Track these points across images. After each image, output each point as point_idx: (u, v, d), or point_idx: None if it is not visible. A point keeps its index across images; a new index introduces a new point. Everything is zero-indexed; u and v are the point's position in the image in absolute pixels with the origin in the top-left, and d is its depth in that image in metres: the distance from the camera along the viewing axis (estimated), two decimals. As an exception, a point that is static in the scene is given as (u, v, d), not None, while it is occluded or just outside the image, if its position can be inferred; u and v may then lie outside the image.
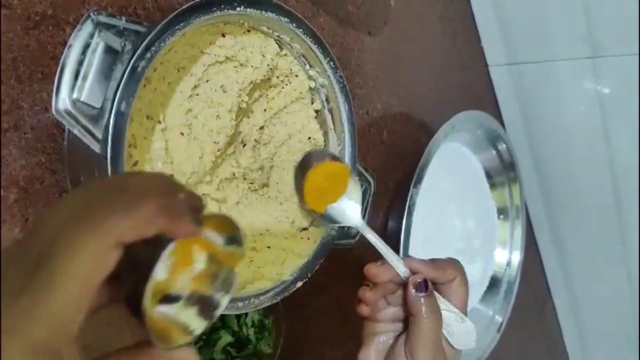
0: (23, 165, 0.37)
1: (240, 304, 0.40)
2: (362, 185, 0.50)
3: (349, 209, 0.43)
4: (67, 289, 0.20)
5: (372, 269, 0.40)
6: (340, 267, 0.63)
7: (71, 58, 0.30)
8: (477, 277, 0.78)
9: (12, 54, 0.36)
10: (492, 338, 0.77)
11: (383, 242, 0.41)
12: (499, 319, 0.78)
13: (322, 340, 0.62)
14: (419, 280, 0.39)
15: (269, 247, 0.45)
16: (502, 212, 0.81)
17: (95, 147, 0.32)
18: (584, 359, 1.15)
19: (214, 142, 0.41)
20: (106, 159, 0.32)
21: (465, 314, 0.41)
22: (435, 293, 0.40)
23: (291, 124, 0.47)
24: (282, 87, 0.46)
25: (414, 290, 0.39)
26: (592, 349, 1.12)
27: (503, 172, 0.78)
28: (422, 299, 0.38)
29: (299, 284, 0.44)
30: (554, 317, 1.11)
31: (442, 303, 0.40)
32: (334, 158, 0.45)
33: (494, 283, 0.81)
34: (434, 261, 0.41)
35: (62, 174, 0.39)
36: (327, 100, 0.47)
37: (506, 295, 0.81)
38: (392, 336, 0.41)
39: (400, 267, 0.40)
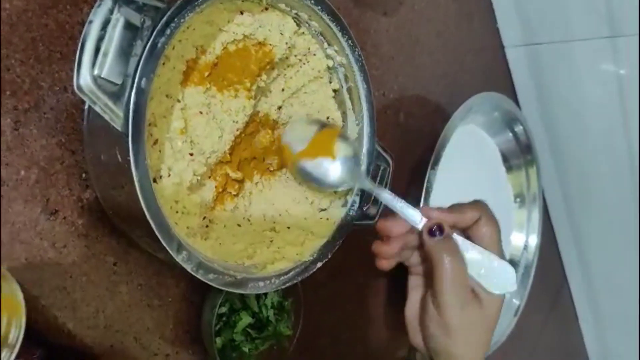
0: (43, 145, 0.37)
1: (261, 283, 0.39)
2: (380, 166, 0.49)
3: (338, 168, 0.41)
4: None
5: (383, 223, 0.40)
6: (359, 250, 0.62)
7: (92, 34, 0.30)
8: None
9: (31, 33, 0.36)
10: (509, 322, 0.77)
11: (392, 194, 0.40)
12: (516, 302, 0.78)
13: (340, 323, 0.62)
14: (431, 225, 0.38)
15: (288, 228, 0.44)
16: (519, 195, 0.80)
17: (117, 125, 0.31)
18: (599, 342, 1.14)
19: (233, 122, 0.41)
20: (127, 136, 0.31)
21: (501, 255, 0.39)
22: (460, 238, 0.38)
23: (309, 104, 0.46)
24: (300, 67, 0.45)
25: (427, 235, 0.38)
26: (607, 333, 1.11)
27: (520, 154, 0.78)
28: (437, 243, 0.37)
29: (319, 264, 0.44)
30: (570, 301, 1.10)
31: (472, 247, 0.38)
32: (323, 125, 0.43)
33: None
34: (453, 206, 0.40)
35: (82, 154, 0.39)
36: (345, 79, 0.47)
37: (523, 279, 0.80)
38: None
39: (416, 216, 0.39)
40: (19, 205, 0.36)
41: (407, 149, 0.69)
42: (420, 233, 0.39)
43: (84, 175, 0.39)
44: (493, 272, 0.38)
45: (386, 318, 0.69)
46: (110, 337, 0.42)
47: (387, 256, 0.40)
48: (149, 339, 0.44)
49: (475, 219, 0.39)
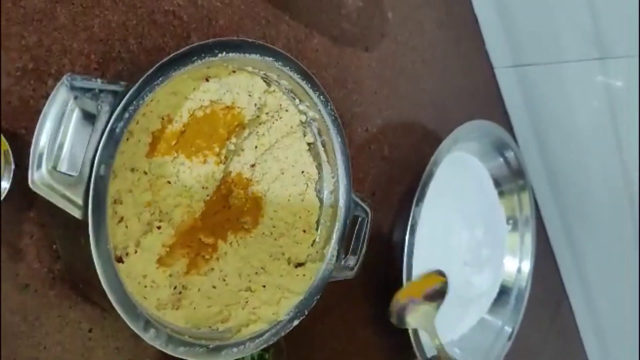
0: (11, 221, 0.37)
1: (235, 349, 0.40)
2: (358, 217, 0.49)
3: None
4: None
5: None
6: (346, 288, 0.62)
7: (45, 128, 0.30)
8: (485, 287, 0.77)
9: (-6, 112, 0.36)
10: (502, 346, 0.77)
11: None
12: (508, 329, 0.77)
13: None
14: None
15: (264, 287, 0.44)
16: (511, 220, 0.80)
17: (76, 214, 0.31)
18: (602, 354, 1.13)
19: (203, 188, 0.40)
20: (87, 225, 0.31)
21: None
22: None
23: (284, 159, 0.46)
24: (272, 123, 0.45)
25: None
26: (609, 345, 1.10)
27: (512, 179, 0.77)
28: None
29: (296, 322, 0.44)
30: (571, 316, 1.09)
31: None
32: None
33: (504, 291, 0.80)
34: None
35: (51, 227, 0.39)
36: (319, 133, 0.46)
37: (516, 304, 0.79)
38: None
39: None
40: (-11, 283, 0.37)
41: (394, 181, 0.68)
42: None
43: (54, 246, 0.39)
44: None
45: (379, 347, 0.69)
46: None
47: None
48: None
49: None
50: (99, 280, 0.33)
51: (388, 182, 0.67)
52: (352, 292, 0.64)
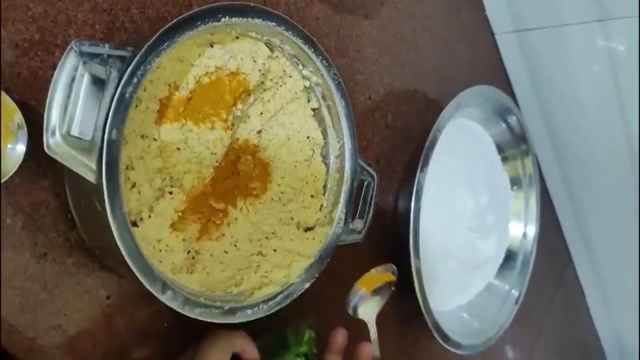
0: (27, 191, 0.38)
1: (249, 311, 0.40)
2: (364, 181, 0.50)
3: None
4: None
5: None
6: (354, 255, 0.63)
7: (57, 93, 0.31)
8: (491, 253, 0.78)
9: (4, 84, 0.37)
10: (509, 311, 0.78)
11: None
12: (515, 293, 0.78)
13: (339, 326, 0.63)
14: None
15: (275, 250, 0.45)
16: (515, 185, 0.80)
17: (91, 178, 0.32)
18: (608, 319, 1.15)
19: (212, 154, 0.41)
20: (102, 189, 0.32)
21: None
22: None
23: (289, 125, 0.47)
24: (277, 89, 0.45)
25: None
26: (614, 309, 1.12)
27: (515, 145, 0.77)
28: None
29: (307, 284, 0.45)
30: (575, 279, 1.11)
31: None
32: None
33: (510, 256, 0.81)
34: None
35: (66, 196, 0.40)
36: (323, 97, 0.47)
37: (523, 268, 0.80)
38: None
39: None
40: (8, 253, 0.37)
41: (398, 149, 0.69)
42: None
43: (69, 215, 0.40)
44: None
45: (386, 316, 0.70)
46: (108, 368, 0.43)
47: None
48: (149, 366, 0.45)
49: None
50: (116, 246, 0.34)
51: (392, 150, 0.68)
52: (360, 259, 0.64)
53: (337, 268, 0.61)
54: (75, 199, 0.38)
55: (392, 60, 0.67)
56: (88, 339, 0.42)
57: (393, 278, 0.55)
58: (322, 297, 0.60)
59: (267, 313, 0.42)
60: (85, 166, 0.32)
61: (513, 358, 0.95)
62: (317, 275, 0.45)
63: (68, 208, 0.40)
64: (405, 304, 0.66)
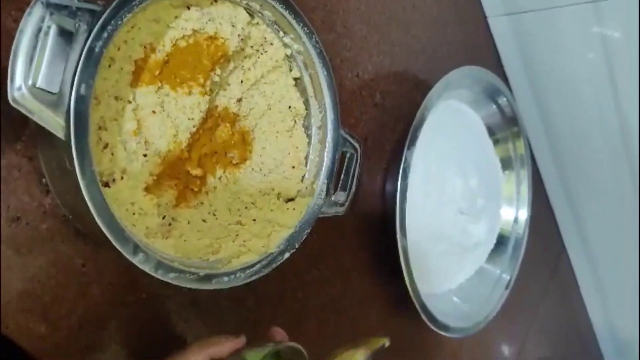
0: (-1, 154, 0.38)
1: (225, 278, 0.40)
2: (347, 153, 0.49)
3: None
4: None
5: None
6: (341, 235, 0.63)
7: (23, 43, 0.30)
8: (482, 237, 0.77)
9: (-25, 43, 0.36)
10: (499, 296, 0.77)
11: None
12: (506, 277, 0.78)
13: (325, 307, 0.63)
14: None
15: (254, 220, 0.45)
16: (506, 168, 0.80)
17: (59, 134, 0.32)
18: (602, 309, 1.14)
19: (189, 119, 0.40)
20: (70, 145, 0.31)
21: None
22: None
23: (270, 94, 0.46)
24: (258, 57, 0.45)
25: None
26: (609, 299, 1.11)
27: (506, 127, 0.76)
28: None
29: (287, 254, 0.44)
30: (569, 268, 1.10)
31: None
32: None
33: (502, 241, 0.80)
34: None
35: (39, 160, 0.39)
36: (305, 67, 0.46)
37: (514, 252, 0.80)
38: None
39: None
40: (-21, 215, 0.37)
41: (387, 129, 0.68)
42: None
43: (43, 180, 0.40)
44: None
45: (375, 299, 0.69)
46: (85, 337, 0.42)
47: None
48: (127, 335, 0.45)
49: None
50: (87, 208, 0.33)
51: (380, 129, 0.67)
52: (346, 239, 0.64)
53: (323, 250, 0.60)
54: (47, 162, 0.37)
55: (381, 38, 0.67)
56: (63, 306, 0.41)
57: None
58: (309, 276, 0.60)
59: (245, 281, 0.41)
60: (53, 121, 0.31)
61: (506, 346, 0.95)
62: (296, 246, 0.44)
63: (42, 173, 0.39)
64: (394, 288, 0.66)
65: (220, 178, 0.44)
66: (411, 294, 0.63)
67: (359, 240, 0.66)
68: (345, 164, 0.49)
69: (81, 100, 0.32)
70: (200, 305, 0.49)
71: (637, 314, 1.03)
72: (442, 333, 0.68)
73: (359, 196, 0.64)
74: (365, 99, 0.65)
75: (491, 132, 0.77)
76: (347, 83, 0.63)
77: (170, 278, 0.36)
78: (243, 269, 0.41)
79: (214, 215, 0.43)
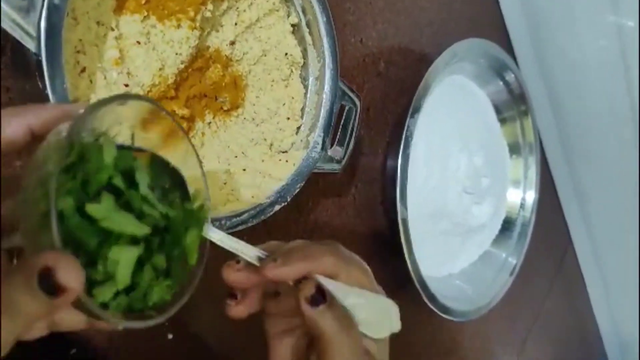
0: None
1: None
2: (346, 106, 0.46)
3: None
4: None
5: (230, 275, 0.30)
6: (337, 206, 0.60)
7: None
8: (486, 219, 0.74)
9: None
10: (504, 281, 0.74)
11: (230, 237, 0.31)
12: (512, 261, 0.74)
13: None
14: (310, 293, 0.28)
15: (244, 170, 0.42)
16: (514, 149, 0.77)
17: (30, 45, 0.29)
18: (608, 308, 1.10)
19: (176, 54, 0.38)
20: (40, 57, 0.29)
21: (375, 291, 0.32)
22: (332, 283, 0.30)
23: (265, 39, 0.43)
24: (253, -2, 0.42)
25: (308, 305, 0.28)
26: (615, 298, 1.08)
27: (513, 105, 0.74)
28: (322, 314, 0.28)
29: (277, 207, 0.41)
30: (576, 265, 1.06)
31: (349, 291, 0.31)
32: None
33: (507, 226, 0.77)
34: (298, 252, 0.30)
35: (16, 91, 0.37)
36: (303, 11, 0.44)
37: (520, 238, 0.77)
38: (302, 334, 0.32)
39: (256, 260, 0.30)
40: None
41: (389, 100, 0.65)
42: (296, 301, 0.29)
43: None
44: (373, 314, 0.31)
45: (376, 269, 0.66)
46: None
47: (245, 313, 0.32)
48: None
49: (335, 268, 0.30)
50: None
51: (383, 99, 0.65)
52: (345, 213, 0.61)
53: (324, 221, 0.58)
54: (17, 82, 0.35)
55: (386, 5, 0.64)
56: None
57: None
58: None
59: (230, 230, 0.38)
60: (22, 29, 0.29)
61: (507, 339, 0.91)
62: (288, 199, 0.42)
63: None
64: (392, 268, 0.62)
65: (209, 124, 0.41)
66: (411, 271, 0.60)
67: (359, 215, 0.63)
68: (344, 118, 0.47)
69: (54, 10, 0.29)
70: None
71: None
72: (443, 315, 0.65)
73: (359, 168, 0.62)
74: (369, 67, 0.63)
75: (497, 110, 0.75)
76: (349, 48, 0.60)
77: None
78: (229, 217, 0.38)
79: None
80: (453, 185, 0.69)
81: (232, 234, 0.40)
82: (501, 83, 0.72)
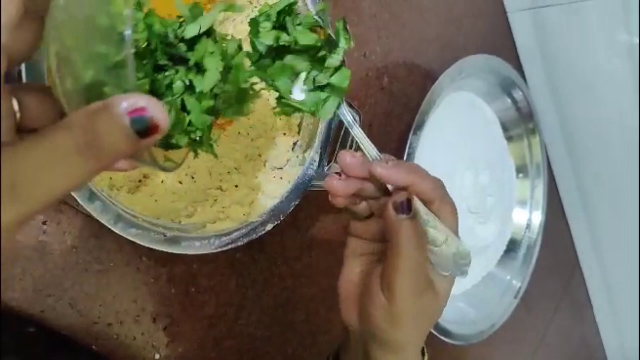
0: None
1: (197, 243, 0.36)
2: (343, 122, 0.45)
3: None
4: None
5: (346, 157, 0.33)
6: (335, 220, 0.58)
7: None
8: (491, 239, 0.72)
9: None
10: (508, 304, 0.72)
11: (360, 129, 0.34)
12: (516, 283, 0.72)
13: (315, 298, 0.58)
14: (399, 200, 0.31)
15: (236, 186, 0.40)
16: (521, 168, 0.75)
17: None
18: (615, 332, 1.07)
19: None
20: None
21: (456, 234, 0.34)
22: (422, 207, 0.32)
23: (263, 52, 0.42)
24: (252, 10, 0.41)
25: (393, 210, 0.31)
26: (623, 323, 1.04)
27: (521, 123, 0.72)
28: (403, 222, 0.31)
29: (269, 226, 0.40)
30: (583, 287, 1.04)
31: (433, 220, 0.32)
32: None
33: (513, 247, 0.75)
34: (411, 168, 0.33)
35: None
36: (302, 24, 0.42)
37: (525, 259, 0.74)
38: (375, 261, 0.35)
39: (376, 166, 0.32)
40: None
41: (393, 115, 0.64)
42: (384, 207, 0.32)
43: None
44: (449, 253, 0.33)
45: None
46: (40, 301, 0.38)
47: (339, 193, 0.33)
48: (88, 306, 0.41)
49: (433, 194, 0.33)
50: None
51: (386, 115, 0.63)
52: (344, 228, 0.60)
53: (321, 238, 0.56)
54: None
55: (391, 18, 0.63)
56: (17, 266, 0.37)
57: None
58: (298, 263, 0.55)
59: (219, 249, 0.37)
60: None
61: (511, 363, 0.89)
62: (281, 218, 0.40)
63: None
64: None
65: (202, 138, 0.40)
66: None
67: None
68: (342, 134, 0.45)
69: None
70: (175, 282, 0.45)
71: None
72: (443, 338, 0.63)
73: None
74: (372, 81, 0.61)
75: (505, 128, 0.73)
76: (352, 62, 0.59)
77: (131, 234, 0.32)
78: (218, 236, 0.37)
79: (192, 177, 0.39)
80: (457, 204, 0.67)
81: (223, 253, 0.38)
82: (509, 100, 0.70)
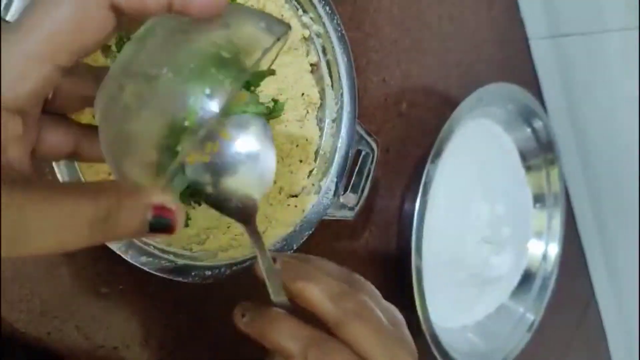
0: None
1: (208, 272, 0.35)
2: (362, 151, 0.44)
3: None
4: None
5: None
6: (354, 253, 0.57)
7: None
8: (505, 270, 0.70)
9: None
10: (520, 337, 0.70)
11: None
12: (530, 317, 0.70)
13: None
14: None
15: (250, 214, 0.40)
16: (538, 199, 0.73)
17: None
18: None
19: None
20: None
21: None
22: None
23: (282, 78, 0.42)
24: (272, 35, 0.41)
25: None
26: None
27: (540, 153, 0.71)
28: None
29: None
30: (599, 321, 1.01)
31: None
32: None
33: (527, 278, 0.74)
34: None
35: None
36: (323, 51, 0.42)
37: (540, 292, 0.73)
38: None
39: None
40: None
41: (410, 142, 0.63)
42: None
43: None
44: None
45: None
46: (46, 323, 0.38)
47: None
48: (94, 329, 0.40)
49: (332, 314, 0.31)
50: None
51: (403, 141, 0.62)
52: (356, 256, 0.58)
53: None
54: None
55: (412, 44, 0.62)
56: (25, 286, 0.37)
57: None
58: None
59: (229, 278, 0.36)
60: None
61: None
62: (294, 247, 0.39)
63: None
64: (406, 317, 0.59)
65: (217, 163, 0.40)
66: (422, 321, 0.57)
67: (371, 259, 0.60)
68: (359, 163, 0.44)
69: None
70: (183, 307, 0.44)
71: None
72: (453, 371, 0.61)
73: (374, 211, 0.59)
74: (390, 107, 0.61)
75: (523, 157, 0.72)
76: (371, 87, 0.58)
77: (140, 262, 0.32)
78: (229, 265, 0.36)
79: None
80: (472, 234, 0.66)
81: (230, 277, 0.38)
82: (529, 130, 0.69)
